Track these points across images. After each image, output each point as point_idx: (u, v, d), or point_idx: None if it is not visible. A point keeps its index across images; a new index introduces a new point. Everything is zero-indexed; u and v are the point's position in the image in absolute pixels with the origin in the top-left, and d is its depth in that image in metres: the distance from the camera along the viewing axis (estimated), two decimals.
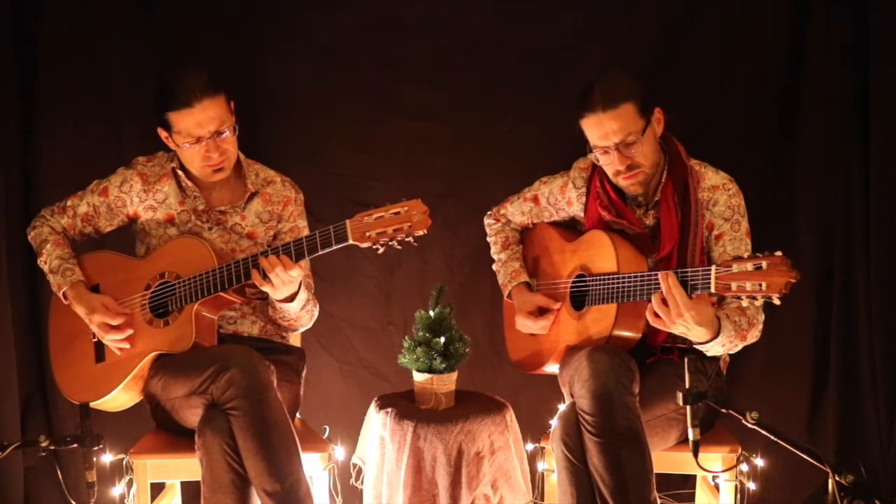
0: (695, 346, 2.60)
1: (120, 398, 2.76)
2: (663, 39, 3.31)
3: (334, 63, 3.37)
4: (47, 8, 3.23)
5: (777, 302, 2.28)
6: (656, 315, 2.46)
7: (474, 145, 3.41)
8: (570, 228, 2.99)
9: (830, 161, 3.24)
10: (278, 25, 3.36)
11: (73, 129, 3.30)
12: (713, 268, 2.37)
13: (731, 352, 2.65)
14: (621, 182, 2.72)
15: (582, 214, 2.89)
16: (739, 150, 3.28)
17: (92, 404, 2.69)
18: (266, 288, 2.63)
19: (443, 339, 2.76)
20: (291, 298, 2.70)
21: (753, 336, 2.64)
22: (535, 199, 3.00)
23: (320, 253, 2.58)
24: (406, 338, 2.81)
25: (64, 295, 2.78)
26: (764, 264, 2.29)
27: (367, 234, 2.50)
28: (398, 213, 2.49)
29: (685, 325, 2.44)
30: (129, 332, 2.72)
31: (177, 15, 3.32)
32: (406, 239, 2.50)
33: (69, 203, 2.88)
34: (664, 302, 2.44)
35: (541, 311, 2.89)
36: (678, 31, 3.30)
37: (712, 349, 2.58)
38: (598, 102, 2.62)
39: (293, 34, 3.37)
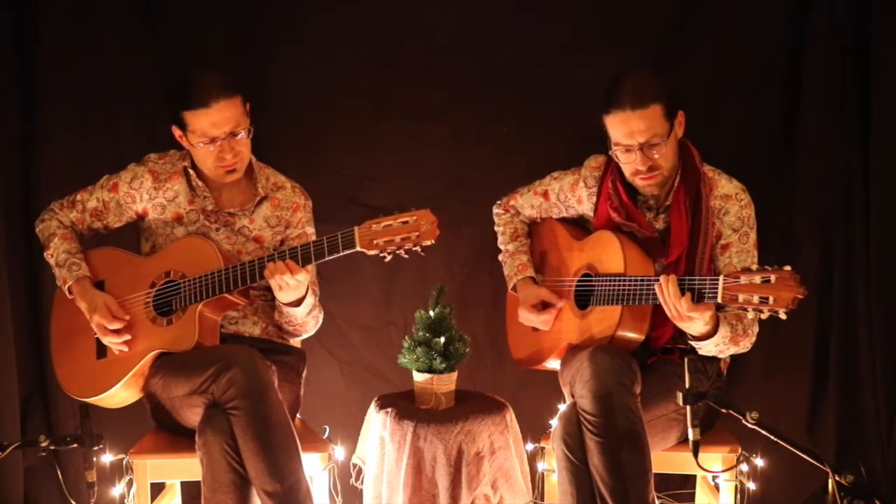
0: (690, 342, 2.61)
1: (120, 395, 2.76)
2: (663, 39, 3.30)
3: (334, 63, 3.37)
4: (47, 8, 3.23)
5: (783, 316, 2.28)
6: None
7: (474, 145, 3.41)
8: (579, 226, 2.98)
9: (830, 161, 3.23)
10: (278, 26, 3.36)
11: (73, 129, 3.30)
12: (721, 278, 2.37)
13: (721, 355, 2.67)
14: (638, 182, 2.71)
15: (591, 214, 2.88)
16: (739, 150, 3.28)
17: (92, 400, 2.70)
18: (273, 289, 2.63)
19: (443, 339, 2.76)
20: (298, 303, 2.70)
21: (745, 345, 2.65)
22: (545, 195, 2.99)
23: (327, 258, 2.59)
24: (406, 338, 2.81)
25: (69, 289, 2.78)
26: (772, 278, 2.28)
27: (375, 241, 2.51)
28: (406, 222, 2.50)
29: (689, 325, 2.50)
30: (127, 337, 2.71)
31: (177, 15, 3.32)
32: (413, 248, 2.51)
33: (79, 197, 2.88)
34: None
35: (544, 305, 2.88)
36: (678, 31, 3.30)
37: (706, 348, 2.59)
38: (627, 100, 2.60)
39: (293, 34, 3.36)
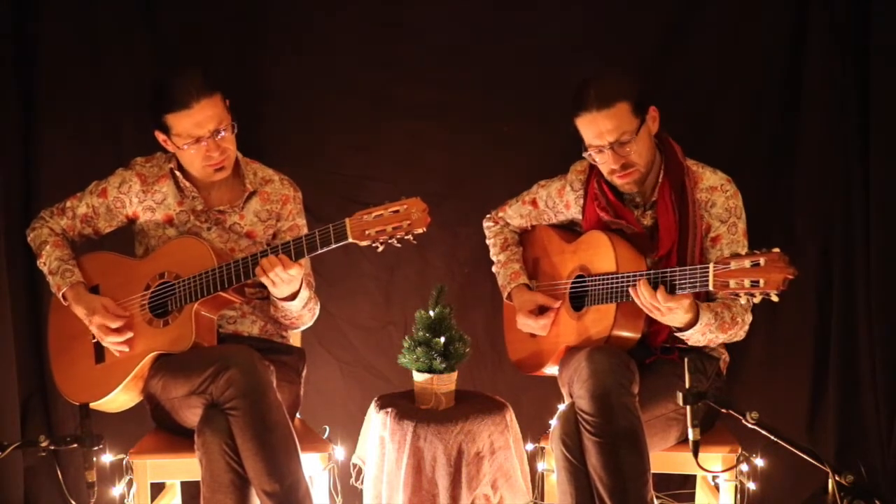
0: (674, 333, 2.62)
1: (120, 399, 2.76)
2: (663, 39, 3.31)
3: (334, 63, 3.37)
4: (47, 9, 3.23)
5: (775, 299, 2.29)
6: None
7: (474, 145, 3.41)
8: (570, 230, 3.00)
9: (830, 161, 3.23)
10: (278, 26, 3.36)
11: (73, 129, 3.30)
12: (711, 265, 2.38)
13: (711, 344, 2.68)
14: (616, 180, 2.73)
15: (580, 217, 2.90)
16: (739, 150, 3.28)
17: (92, 405, 2.69)
18: (267, 286, 2.63)
19: (443, 339, 2.76)
20: (293, 297, 2.70)
21: (737, 334, 2.66)
22: (534, 203, 3.00)
23: (320, 251, 2.59)
24: (406, 338, 2.81)
25: (63, 296, 2.78)
26: (761, 261, 2.29)
27: (367, 232, 2.50)
28: (397, 211, 2.49)
29: (671, 317, 2.52)
30: (129, 334, 2.71)
31: (176, 15, 3.32)
32: (405, 237, 2.50)
33: (68, 204, 2.88)
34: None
35: (541, 310, 2.89)
36: (678, 32, 3.30)
37: (693, 338, 2.60)
38: (593, 102, 2.63)
39: (293, 35, 3.37)
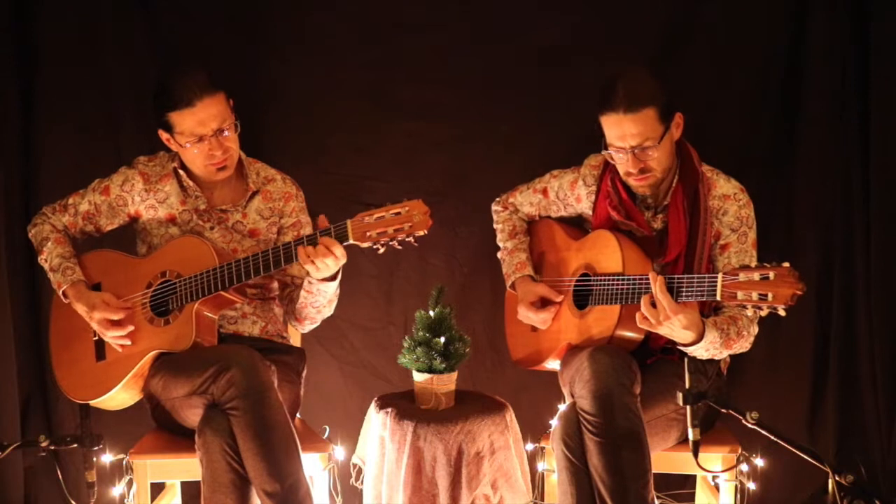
0: (678, 347, 2.60)
1: (120, 397, 2.76)
2: (663, 39, 3.31)
3: (334, 63, 3.37)
4: (47, 8, 3.24)
5: (782, 313, 2.28)
6: (644, 317, 2.48)
7: (474, 145, 3.41)
8: (577, 226, 2.99)
9: (830, 161, 3.24)
10: (279, 26, 3.36)
11: (73, 129, 3.30)
12: (720, 276, 2.37)
13: (715, 357, 2.66)
14: (631, 182, 2.72)
15: (590, 212, 2.88)
16: (739, 150, 3.28)
17: (92, 403, 2.70)
18: (309, 268, 2.59)
19: (443, 339, 2.76)
20: (333, 277, 2.67)
21: (742, 346, 2.64)
22: (545, 192, 2.99)
23: None
24: (406, 338, 2.81)
25: (64, 293, 2.78)
26: (771, 275, 2.28)
27: (368, 233, 2.50)
28: (399, 213, 2.49)
29: (671, 327, 2.46)
30: (131, 328, 2.71)
31: (177, 15, 3.32)
32: (407, 239, 2.50)
33: (70, 201, 2.88)
34: (653, 304, 2.45)
35: (543, 303, 2.88)
36: (678, 32, 3.30)
37: (695, 352, 2.58)
38: (621, 103, 2.59)
39: (293, 35, 3.36)
